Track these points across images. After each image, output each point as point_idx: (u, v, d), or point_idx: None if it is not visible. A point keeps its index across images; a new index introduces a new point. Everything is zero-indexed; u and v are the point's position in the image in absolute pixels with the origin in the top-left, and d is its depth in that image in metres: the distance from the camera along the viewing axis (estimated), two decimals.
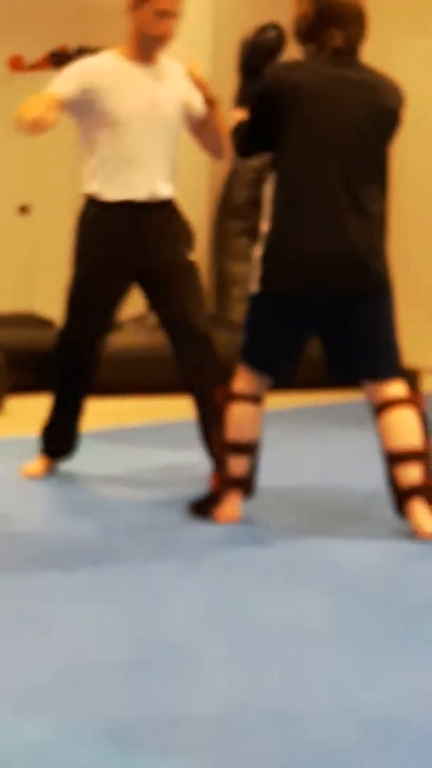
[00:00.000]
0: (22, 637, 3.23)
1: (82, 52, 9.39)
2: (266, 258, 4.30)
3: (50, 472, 5.29)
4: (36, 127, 4.82)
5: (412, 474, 4.18)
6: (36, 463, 5.25)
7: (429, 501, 4.19)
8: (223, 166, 5.22)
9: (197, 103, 5.03)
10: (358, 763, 2.39)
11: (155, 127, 5.01)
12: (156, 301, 5.13)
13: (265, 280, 4.29)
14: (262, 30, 4.49)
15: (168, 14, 4.87)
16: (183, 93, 5.04)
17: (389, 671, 2.95)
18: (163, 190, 5.04)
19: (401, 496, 4.19)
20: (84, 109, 4.96)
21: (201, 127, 5.06)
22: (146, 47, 4.98)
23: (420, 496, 4.17)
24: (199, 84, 4.85)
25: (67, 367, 5.22)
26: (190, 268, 5.11)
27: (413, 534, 4.17)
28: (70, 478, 5.29)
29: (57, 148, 9.68)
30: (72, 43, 9.78)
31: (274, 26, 4.51)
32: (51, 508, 4.86)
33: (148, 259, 5.08)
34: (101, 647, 3.15)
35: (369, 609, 3.50)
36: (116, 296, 5.15)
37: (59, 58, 9.61)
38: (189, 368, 5.07)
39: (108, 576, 3.84)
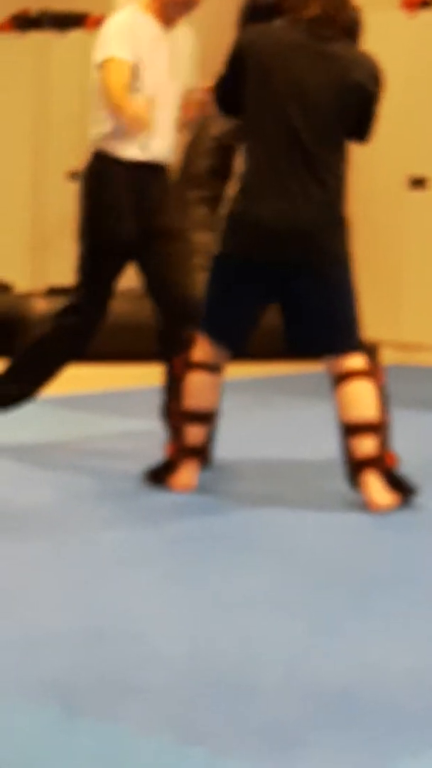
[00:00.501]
0: None
1: (46, 15, 9.34)
2: (227, 221, 4.37)
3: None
4: (147, 128, 4.93)
5: (366, 446, 4.19)
6: None
7: (382, 473, 4.20)
8: (181, 136, 5.30)
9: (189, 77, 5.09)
10: (309, 732, 2.40)
11: (171, 97, 5.05)
12: (152, 271, 5.14)
13: (224, 242, 4.34)
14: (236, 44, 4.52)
15: None
16: (188, 64, 5.09)
17: (340, 642, 2.93)
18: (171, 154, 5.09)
19: (355, 468, 4.21)
20: None
21: None
22: (174, 12, 5.00)
23: (373, 468, 4.18)
24: (189, 107, 4.97)
25: (76, 325, 5.17)
26: (186, 237, 5.13)
27: (365, 505, 4.18)
28: (25, 446, 5.27)
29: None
30: (35, 6, 9.66)
31: (248, 31, 4.54)
32: (4, 475, 4.81)
33: (160, 219, 5.07)
34: (53, 616, 3.15)
35: (320, 580, 3.49)
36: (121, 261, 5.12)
37: (21, 21, 9.55)
38: (170, 338, 4.98)
39: (60, 545, 3.83)
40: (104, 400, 6.19)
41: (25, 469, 4.92)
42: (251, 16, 4.59)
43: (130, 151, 5.03)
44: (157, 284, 5.08)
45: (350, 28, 4.42)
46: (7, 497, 4.43)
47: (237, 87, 4.33)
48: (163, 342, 5.03)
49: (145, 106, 4.93)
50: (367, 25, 8.28)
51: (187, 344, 4.53)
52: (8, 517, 4.15)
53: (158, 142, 5.03)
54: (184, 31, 5.13)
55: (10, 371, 5.13)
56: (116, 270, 5.11)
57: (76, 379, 5.65)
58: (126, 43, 4.96)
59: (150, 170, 5.06)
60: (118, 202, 5.06)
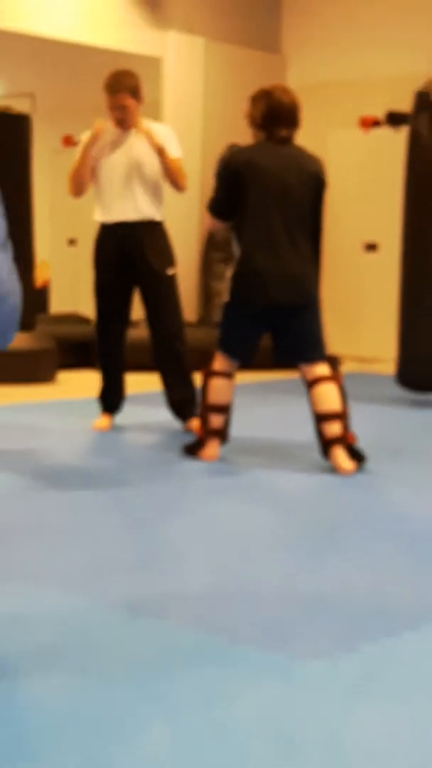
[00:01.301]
0: (58, 539, 3.33)
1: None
2: (234, 280, 4.37)
3: (112, 427, 5.13)
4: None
5: (333, 429, 4.24)
6: (102, 420, 5.12)
7: (345, 447, 4.27)
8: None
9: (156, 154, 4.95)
10: (297, 625, 2.53)
11: (126, 175, 4.89)
12: (143, 303, 5.01)
13: (233, 294, 4.36)
14: (230, 147, 4.57)
15: (117, 108, 4.82)
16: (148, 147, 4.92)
17: (318, 564, 3.05)
18: (146, 212, 4.89)
19: (326, 445, 4.28)
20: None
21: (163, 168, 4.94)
22: (114, 117, 4.84)
23: (338, 444, 4.25)
24: (150, 138, 4.77)
25: (101, 351, 5.08)
26: (169, 280, 4.93)
27: (334, 470, 4.23)
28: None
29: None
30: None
31: (235, 145, 4.61)
32: (83, 448, 4.83)
33: (137, 267, 4.89)
34: (116, 548, 3.24)
35: (304, 522, 3.59)
36: (122, 296, 4.98)
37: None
38: (159, 357, 4.99)
39: (122, 495, 3.92)
40: (155, 398, 6.20)
41: (98, 444, 4.95)
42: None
43: (98, 216, 4.98)
44: (147, 316, 4.98)
45: (294, 121, 4.28)
46: (85, 464, 4.53)
47: (233, 197, 4.29)
48: (154, 356, 4.99)
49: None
50: (334, 139, 8.15)
51: (207, 359, 4.48)
52: (85, 477, 4.24)
53: (118, 207, 4.87)
54: (157, 128, 4.97)
55: (103, 384, 5.08)
56: (113, 306, 4.98)
57: (134, 383, 5.61)
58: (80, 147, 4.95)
59: (116, 228, 4.91)
60: (97, 256, 4.99)
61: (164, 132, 4.96)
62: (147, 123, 4.96)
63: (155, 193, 4.95)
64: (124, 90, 4.82)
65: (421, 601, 2.72)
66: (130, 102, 4.81)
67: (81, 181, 4.95)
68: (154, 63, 8.13)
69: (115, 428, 5.19)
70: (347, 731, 1.95)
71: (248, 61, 8.57)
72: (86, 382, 6.25)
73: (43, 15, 7.47)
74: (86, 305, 8.97)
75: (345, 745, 1.90)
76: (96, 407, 5.27)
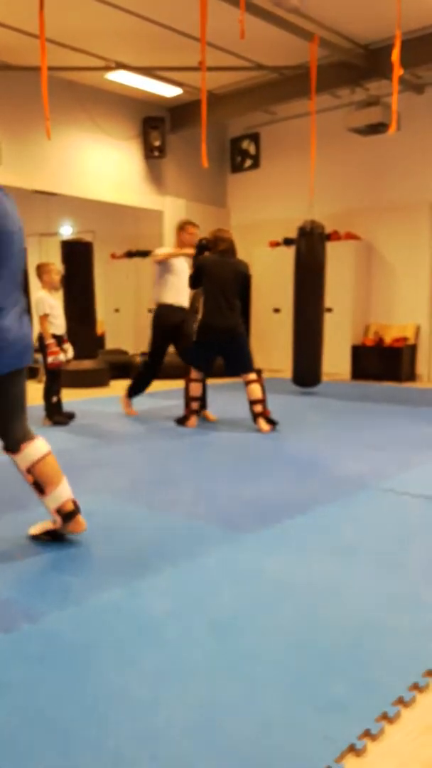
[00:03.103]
0: (109, 470, 3.19)
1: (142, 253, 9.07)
2: (199, 328, 4.34)
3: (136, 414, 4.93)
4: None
5: (258, 408, 4.32)
6: (131, 408, 4.94)
7: (264, 418, 4.29)
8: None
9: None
10: (239, 515, 2.47)
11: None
12: (176, 346, 4.68)
13: (198, 335, 4.35)
14: (200, 240, 4.45)
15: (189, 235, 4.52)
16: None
17: (250, 484, 2.97)
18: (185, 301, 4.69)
19: (254, 416, 4.34)
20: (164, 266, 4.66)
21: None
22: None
23: (261, 416, 4.31)
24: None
25: (147, 372, 4.75)
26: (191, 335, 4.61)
27: (259, 430, 4.27)
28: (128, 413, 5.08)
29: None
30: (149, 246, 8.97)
31: (205, 239, 4.42)
32: (121, 423, 4.66)
33: (180, 330, 4.63)
34: (142, 474, 3.15)
35: (243, 457, 3.53)
36: (166, 346, 4.73)
37: (132, 254, 9.24)
38: (184, 371, 4.56)
39: (142, 447, 3.79)
40: (163, 393, 6.06)
41: (133, 419, 4.80)
42: (199, 249, 4.40)
43: (169, 300, 4.60)
44: (178, 352, 4.67)
45: (233, 250, 4.36)
46: (126, 429, 4.39)
47: (198, 278, 4.31)
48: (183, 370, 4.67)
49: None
50: (257, 253, 8.42)
51: (188, 371, 4.48)
52: (125, 436, 4.12)
53: (181, 295, 4.54)
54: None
55: (131, 388, 4.89)
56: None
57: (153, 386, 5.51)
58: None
59: (177, 309, 4.60)
60: (159, 327, 4.63)
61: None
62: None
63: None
64: (190, 226, 4.60)
65: (305, 499, 2.68)
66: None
67: (167, 261, 4.60)
68: (158, 214, 8.33)
69: (140, 411, 5.06)
70: (267, 569, 1.95)
71: (209, 211, 8.71)
72: (124, 387, 5.93)
73: (95, 187, 7.55)
74: (126, 344, 8.88)
75: (266, 575, 1.91)
76: (133, 400, 5.08)
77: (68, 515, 2.19)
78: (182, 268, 4.63)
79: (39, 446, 2.15)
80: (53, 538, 2.22)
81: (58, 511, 2.17)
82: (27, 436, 2.13)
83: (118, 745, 1.17)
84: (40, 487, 2.14)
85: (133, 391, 4.86)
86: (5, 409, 2.05)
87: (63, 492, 2.18)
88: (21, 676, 1.38)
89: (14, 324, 1.96)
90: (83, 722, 1.24)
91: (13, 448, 2.10)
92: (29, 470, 2.13)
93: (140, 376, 4.78)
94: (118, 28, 6.07)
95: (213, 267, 4.24)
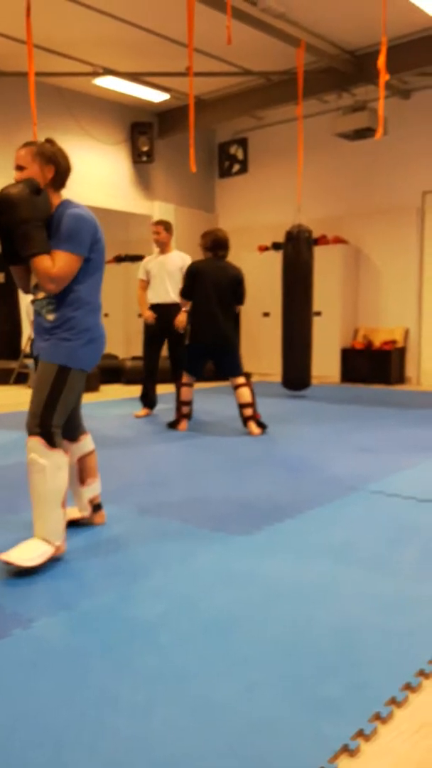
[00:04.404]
0: (104, 471, 3.22)
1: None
2: (192, 332, 4.34)
3: (148, 415, 5.01)
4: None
5: (247, 411, 4.34)
6: (141, 411, 5.04)
7: (254, 421, 4.31)
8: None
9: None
10: (230, 517, 2.47)
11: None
12: (169, 348, 4.85)
13: (190, 340, 4.34)
14: (189, 268, 4.34)
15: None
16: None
17: (244, 481, 3.02)
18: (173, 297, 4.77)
19: (244, 420, 4.35)
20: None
21: None
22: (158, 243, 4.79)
23: (251, 419, 4.33)
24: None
25: (146, 375, 4.94)
26: (182, 336, 4.82)
27: (249, 433, 4.29)
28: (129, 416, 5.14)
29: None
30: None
31: (194, 263, 4.32)
32: (119, 425, 4.68)
33: (168, 330, 4.78)
34: (134, 476, 3.12)
35: (233, 459, 3.55)
36: (159, 347, 4.88)
37: (121, 258, 9.06)
38: (175, 373, 4.76)
39: (139, 451, 3.81)
40: (163, 396, 6.20)
41: (123, 422, 4.81)
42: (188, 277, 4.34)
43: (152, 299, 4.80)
44: (170, 355, 4.82)
45: (227, 247, 4.32)
46: (119, 433, 4.38)
47: (192, 287, 4.27)
48: (172, 375, 4.83)
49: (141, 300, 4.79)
50: (246, 257, 8.37)
51: (181, 376, 4.50)
52: (119, 439, 4.09)
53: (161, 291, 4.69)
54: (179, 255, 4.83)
55: (143, 395, 4.99)
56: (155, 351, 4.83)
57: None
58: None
59: (161, 306, 4.75)
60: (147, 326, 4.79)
61: (183, 256, 4.87)
62: (176, 251, 4.84)
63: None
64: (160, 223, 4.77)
65: (295, 502, 2.68)
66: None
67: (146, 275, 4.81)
68: (147, 219, 8.21)
69: (132, 416, 5.01)
70: (259, 571, 1.96)
71: (198, 216, 8.72)
72: (115, 391, 6.50)
73: (83, 192, 7.45)
74: (116, 349, 8.84)
75: (258, 577, 1.91)
76: (116, 403, 5.12)
77: (97, 506, 2.41)
78: (156, 270, 4.78)
79: (87, 442, 2.35)
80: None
81: (91, 501, 2.38)
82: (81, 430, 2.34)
83: (113, 749, 1.16)
84: (81, 477, 2.33)
85: (142, 401, 5.02)
86: (68, 405, 2.09)
87: (97, 486, 2.38)
88: (13, 682, 1.37)
89: (101, 324, 2.15)
90: (77, 727, 1.22)
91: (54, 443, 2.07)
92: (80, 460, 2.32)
93: (142, 385, 4.99)
94: (106, 34, 6.07)
95: (208, 272, 4.22)
